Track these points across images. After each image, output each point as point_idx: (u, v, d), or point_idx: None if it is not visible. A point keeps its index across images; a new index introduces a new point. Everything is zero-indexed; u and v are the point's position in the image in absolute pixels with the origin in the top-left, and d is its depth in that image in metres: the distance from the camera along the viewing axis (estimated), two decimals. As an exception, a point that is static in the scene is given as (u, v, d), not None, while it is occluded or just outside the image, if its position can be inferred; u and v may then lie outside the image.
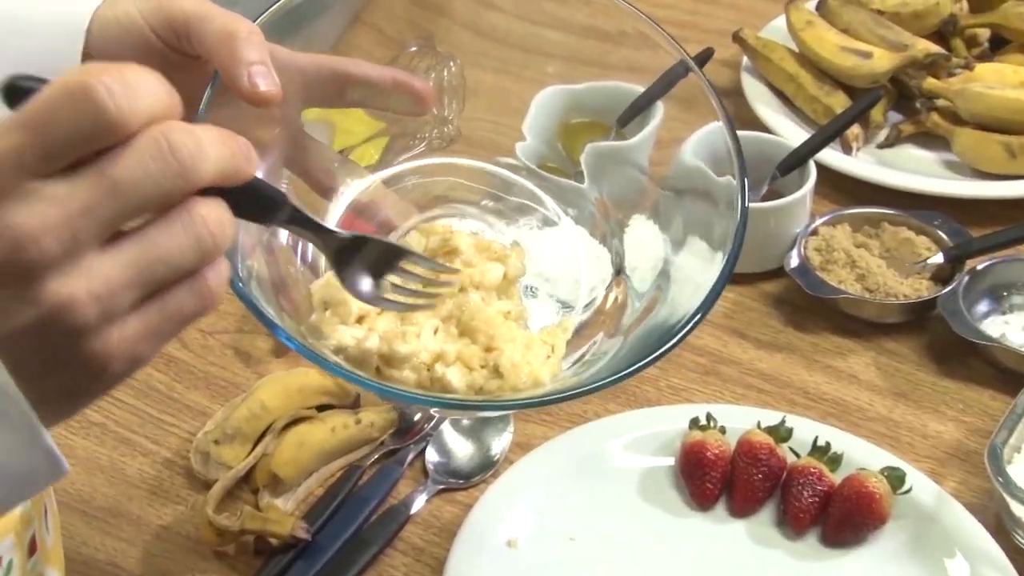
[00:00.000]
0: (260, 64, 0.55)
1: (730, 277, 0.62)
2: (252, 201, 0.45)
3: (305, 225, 0.52)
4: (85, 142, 0.39)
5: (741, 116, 1.18)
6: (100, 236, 0.40)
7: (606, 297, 0.70)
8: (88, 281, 0.39)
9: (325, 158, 0.66)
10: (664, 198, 0.75)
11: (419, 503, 0.83)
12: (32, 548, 0.66)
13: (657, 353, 0.59)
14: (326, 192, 0.66)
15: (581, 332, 0.69)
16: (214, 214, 0.42)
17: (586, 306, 0.70)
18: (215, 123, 0.57)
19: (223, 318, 1.00)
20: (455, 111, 0.74)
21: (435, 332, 0.63)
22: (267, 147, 0.63)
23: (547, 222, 0.73)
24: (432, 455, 0.85)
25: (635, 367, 0.58)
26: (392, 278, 0.58)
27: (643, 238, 0.72)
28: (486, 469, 0.85)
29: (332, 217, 0.67)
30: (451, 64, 0.75)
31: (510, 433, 0.87)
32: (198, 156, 0.41)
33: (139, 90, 0.40)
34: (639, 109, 0.82)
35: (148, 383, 0.94)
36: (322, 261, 0.63)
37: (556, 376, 0.64)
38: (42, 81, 0.41)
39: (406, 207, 0.68)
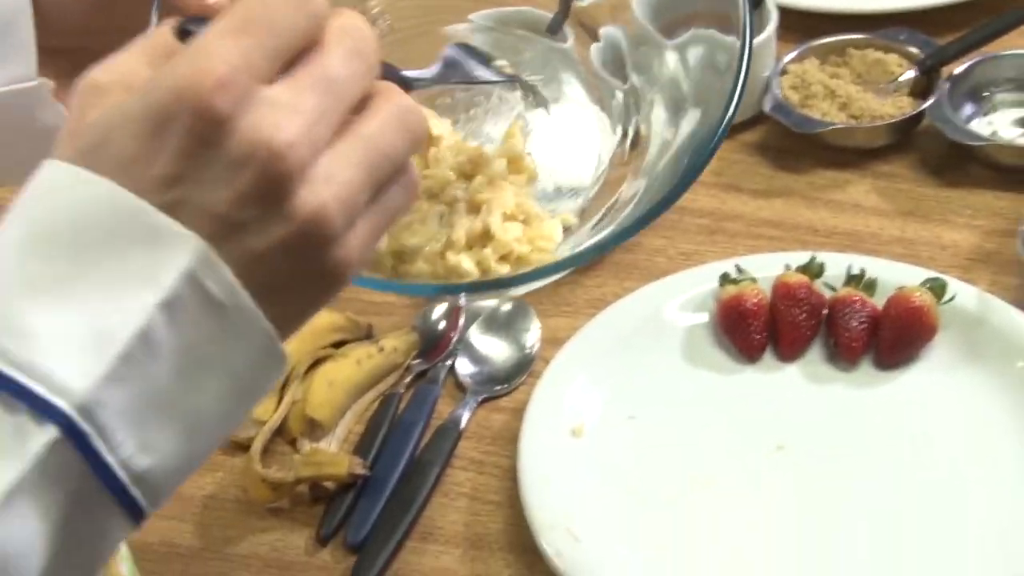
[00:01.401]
0: None
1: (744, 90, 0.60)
2: None
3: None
4: (303, 38, 0.40)
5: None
6: (329, 140, 0.40)
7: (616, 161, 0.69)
8: (334, 187, 0.40)
9: None
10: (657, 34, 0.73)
11: (466, 417, 0.83)
12: None
13: (685, 176, 0.58)
14: None
15: (591, 207, 0.68)
16: (413, 104, 0.42)
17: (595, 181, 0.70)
18: None
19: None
20: None
21: (441, 218, 0.63)
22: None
23: (535, 101, 0.72)
24: (465, 367, 0.85)
25: (665, 197, 0.58)
26: None
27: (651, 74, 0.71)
28: (523, 369, 0.85)
29: None
30: None
31: (538, 329, 0.87)
32: (373, 47, 0.42)
33: None
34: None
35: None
36: None
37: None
38: (206, 22, 0.40)
39: None
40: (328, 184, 0.39)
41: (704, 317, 0.85)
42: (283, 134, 0.38)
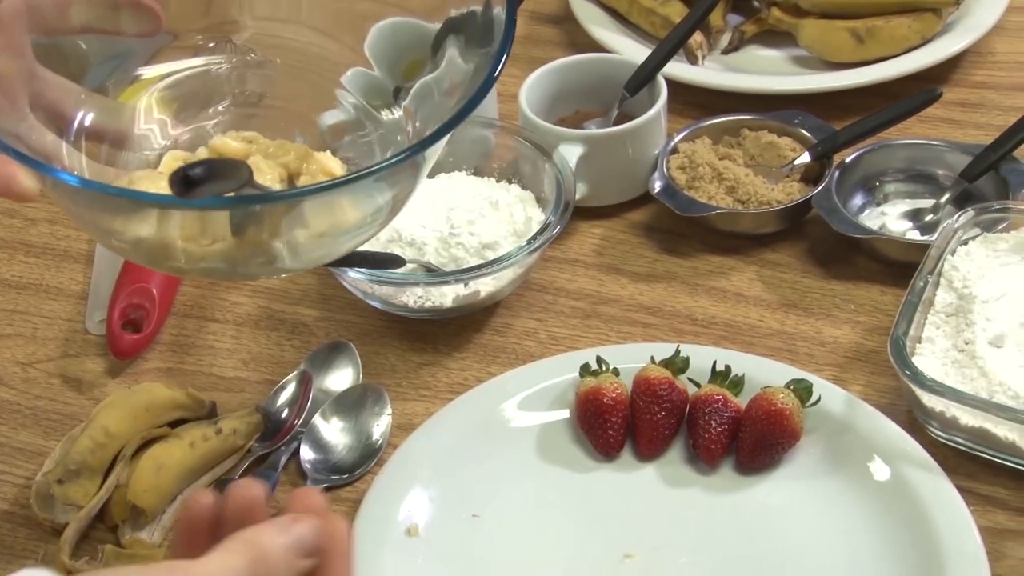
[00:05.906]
0: None
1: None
2: None
3: None
4: None
5: (577, 42, 1.17)
6: None
7: None
8: None
9: (69, 92, 0.65)
10: None
11: (302, 508, 0.80)
12: None
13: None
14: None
15: None
16: None
17: None
18: None
19: (42, 345, 0.95)
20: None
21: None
22: (4, 80, 0.61)
23: None
24: (307, 453, 0.83)
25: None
26: None
27: None
28: (369, 458, 0.83)
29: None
30: None
31: (388, 415, 0.85)
32: None
33: None
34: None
35: (-32, 431, 0.88)
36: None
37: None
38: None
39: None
40: None
41: (564, 412, 0.83)
42: None
